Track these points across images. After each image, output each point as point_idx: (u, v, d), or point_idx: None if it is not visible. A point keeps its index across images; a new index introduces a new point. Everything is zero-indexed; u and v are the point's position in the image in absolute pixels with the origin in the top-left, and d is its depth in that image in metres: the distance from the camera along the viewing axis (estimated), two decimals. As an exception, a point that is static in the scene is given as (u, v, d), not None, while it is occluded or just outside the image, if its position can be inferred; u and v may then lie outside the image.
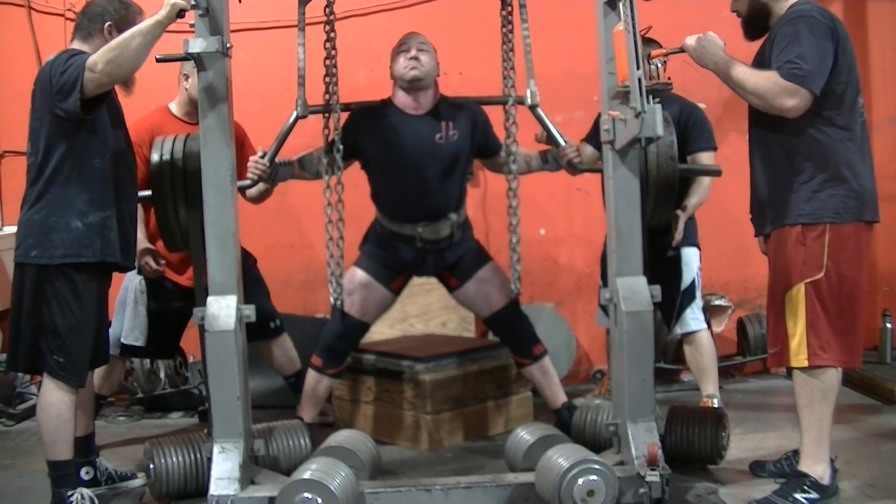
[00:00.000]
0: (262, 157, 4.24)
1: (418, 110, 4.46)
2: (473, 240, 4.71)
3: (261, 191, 4.44)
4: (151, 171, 3.79)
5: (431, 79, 4.47)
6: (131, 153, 3.90)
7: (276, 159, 4.31)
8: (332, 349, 4.56)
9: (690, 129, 4.70)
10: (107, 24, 3.72)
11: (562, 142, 4.36)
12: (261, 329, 4.58)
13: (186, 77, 4.64)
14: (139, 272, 4.58)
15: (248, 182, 4.22)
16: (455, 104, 4.55)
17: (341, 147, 4.31)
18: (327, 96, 4.30)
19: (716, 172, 4.24)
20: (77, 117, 3.49)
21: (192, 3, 3.39)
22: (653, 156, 3.86)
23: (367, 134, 4.46)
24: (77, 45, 3.73)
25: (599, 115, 4.71)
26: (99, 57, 3.41)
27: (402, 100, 4.47)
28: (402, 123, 4.44)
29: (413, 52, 4.40)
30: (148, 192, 3.88)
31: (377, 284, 4.57)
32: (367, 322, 4.60)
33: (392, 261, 4.58)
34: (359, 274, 4.57)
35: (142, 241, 4.46)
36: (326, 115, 4.33)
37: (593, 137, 4.78)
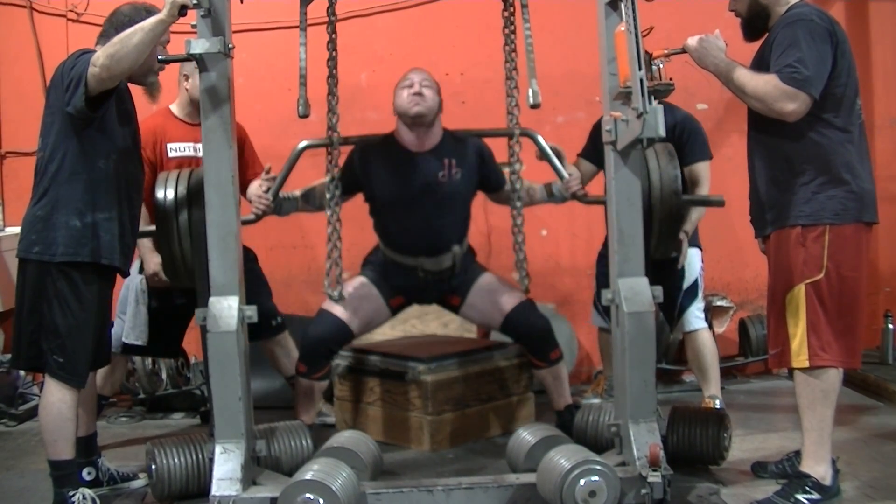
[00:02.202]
0: (267, 191, 4.25)
1: (421, 147, 4.48)
2: (474, 263, 4.75)
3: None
4: (156, 208, 3.80)
5: (435, 115, 4.47)
6: (139, 155, 3.91)
7: (280, 193, 4.33)
8: (314, 353, 4.51)
9: (685, 140, 4.71)
10: None
11: (566, 174, 4.38)
12: (262, 327, 4.58)
13: (187, 77, 4.65)
14: (140, 271, 4.59)
15: (251, 217, 4.25)
16: (458, 140, 4.57)
17: (340, 184, 4.32)
18: (329, 97, 4.30)
19: (718, 203, 4.26)
20: (83, 114, 3.50)
21: (194, 2, 3.39)
22: (657, 190, 3.87)
23: (369, 171, 4.49)
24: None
25: (593, 128, 4.78)
26: (101, 52, 3.42)
27: (406, 137, 4.49)
28: (404, 162, 4.46)
29: (416, 88, 4.40)
30: (152, 228, 3.89)
31: (377, 295, 4.59)
32: (352, 329, 4.55)
33: (393, 284, 4.62)
34: (362, 281, 4.61)
35: (153, 255, 4.47)
36: (329, 149, 4.33)
37: (589, 152, 4.82)
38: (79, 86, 3.46)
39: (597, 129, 4.83)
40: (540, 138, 4.43)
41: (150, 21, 3.40)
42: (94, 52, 3.54)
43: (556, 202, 4.56)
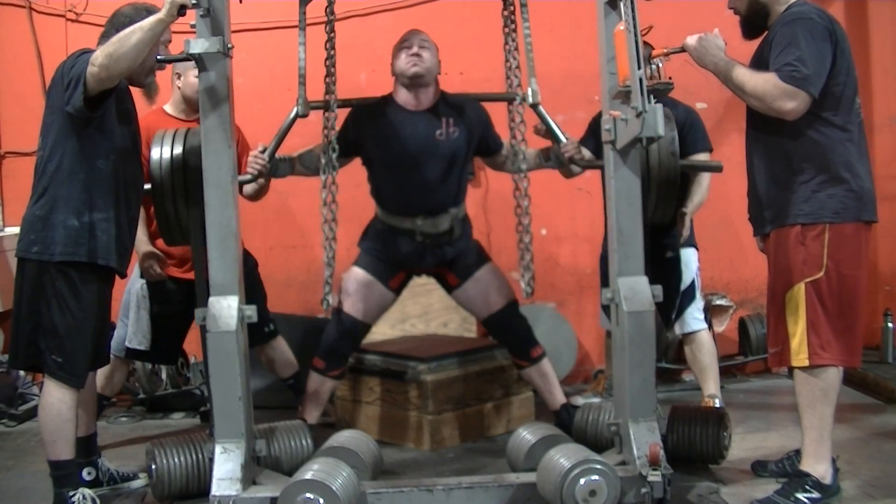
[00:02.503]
0: (262, 152, 4.23)
1: (419, 107, 4.46)
2: (473, 239, 4.70)
3: (256, 188, 4.40)
4: (151, 165, 3.78)
5: (433, 76, 4.46)
6: (138, 156, 3.90)
7: (276, 155, 4.31)
8: (334, 351, 4.54)
9: (686, 132, 4.71)
10: None
11: (563, 139, 4.35)
12: (256, 334, 4.57)
13: (179, 76, 4.65)
14: (142, 276, 4.58)
15: (247, 177, 4.20)
16: (456, 101, 4.54)
17: (337, 147, 4.29)
18: (328, 96, 4.30)
19: (716, 168, 4.25)
20: (82, 113, 3.50)
21: (193, 2, 3.39)
22: (654, 153, 3.85)
23: (367, 130, 4.46)
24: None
25: (594, 119, 4.76)
26: (100, 52, 3.42)
27: (403, 97, 4.47)
28: (402, 120, 4.43)
29: (415, 49, 4.39)
30: (147, 186, 3.88)
31: (377, 283, 4.56)
32: (367, 322, 4.59)
33: (391, 256, 4.55)
34: (358, 273, 4.57)
35: (145, 244, 4.46)
36: (326, 112, 4.32)
37: (589, 140, 4.80)
38: (78, 85, 3.46)
39: (597, 122, 4.83)
40: (540, 107, 4.39)
41: (149, 20, 3.40)
42: (94, 51, 3.54)
43: (552, 167, 4.51)
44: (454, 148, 4.45)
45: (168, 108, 4.75)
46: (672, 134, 3.88)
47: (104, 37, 3.74)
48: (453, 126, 4.45)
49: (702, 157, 4.77)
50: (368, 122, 4.46)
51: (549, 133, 4.42)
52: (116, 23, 3.73)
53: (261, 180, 4.28)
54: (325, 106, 4.30)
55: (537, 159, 4.50)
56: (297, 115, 4.28)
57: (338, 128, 4.35)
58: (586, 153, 4.47)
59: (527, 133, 4.38)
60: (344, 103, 4.42)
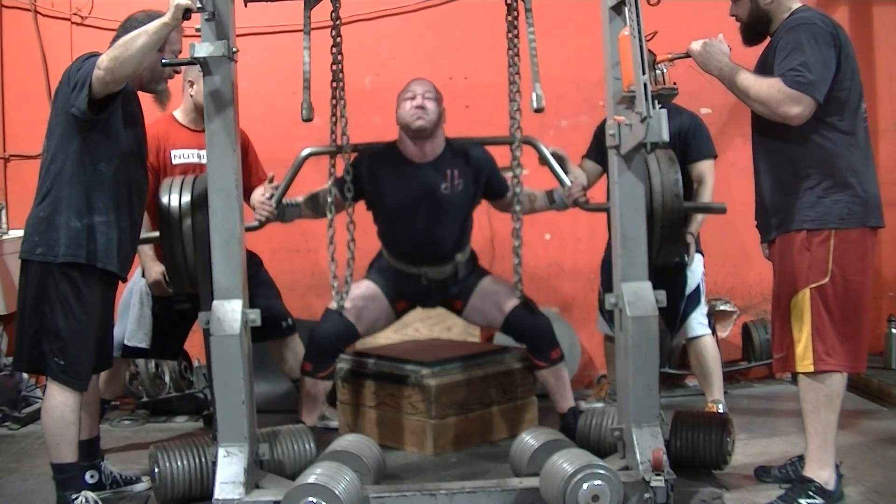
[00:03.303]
0: (270, 198, 4.26)
1: (424, 158, 4.51)
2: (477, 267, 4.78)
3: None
4: (160, 213, 3.79)
5: (437, 127, 4.49)
6: (143, 161, 3.90)
7: (284, 200, 4.34)
8: (320, 351, 4.53)
9: (691, 138, 4.73)
10: None
11: (567, 181, 4.37)
12: (273, 328, 4.63)
13: (191, 84, 4.65)
14: (143, 275, 4.59)
15: (254, 224, 4.25)
16: (461, 149, 4.58)
17: (352, 187, 4.39)
18: (333, 101, 4.31)
19: (720, 210, 4.26)
20: (87, 116, 3.51)
21: (198, 6, 3.39)
22: (658, 195, 3.86)
23: (372, 180, 4.52)
24: None
25: (597, 129, 4.78)
26: (105, 55, 3.42)
27: (409, 148, 4.51)
28: (407, 173, 4.48)
29: (419, 101, 4.41)
30: (156, 234, 3.89)
31: (383, 298, 4.62)
32: (358, 330, 4.58)
33: (398, 290, 4.65)
34: (368, 284, 4.64)
35: (154, 263, 4.48)
36: (333, 155, 4.33)
37: (595, 153, 4.83)
38: (83, 88, 3.46)
39: (602, 130, 4.84)
40: (541, 145, 4.43)
41: (154, 24, 3.40)
42: (101, 55, 3.55)
43: (557, 209, 4.57)
44: (459, 199, 4.52)
45: (178, 115, 4.76)
46: (676, 176, 3.89)
47: (114, 41, 3.75)
48: (458, 178, 4.51)
49: (706, 164, 4.79)
50: (373, 172, 4.52)
51: (551, 171, 4.44)
52: (129, 28, 3.72)
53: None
54: (333, 150, 4.31)
55: (542, 202, 4.55)
56: (306, 157, 4.39)
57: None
58: (588, 168, 4.47)
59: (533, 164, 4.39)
60: (349, 148, 4.46)
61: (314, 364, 4.53)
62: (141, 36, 3.38)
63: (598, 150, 4.76)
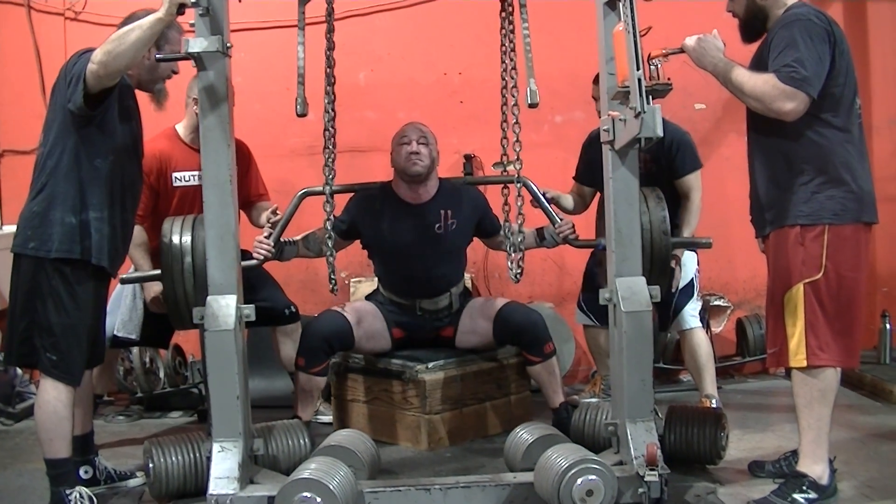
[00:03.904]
0: (268, 237, 4.33)
1: (418, 200, 4.63)
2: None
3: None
4: (161, 253, 3.77)
5: (431, 170, 4.61)
6: (139, 158, 3.90)
7: (282, 238, 4.41)
8: (313, 346, 4.54)
9: (675, 152, 4.78)
10: None
11: (557, 220, 4.45)
12: (276, 316, 4.69)
13: (195, 101, 4.59)
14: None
15: (253, 262, 4.30)
16: (454, 189, 4.71)
17: (335, 237, 4.39)
18: (327, 98, 4.29)
19: (706, 245, 4.32)
20: (82, 111, 3.51)
21: (193, 1, 3.39)
22: (647, 232, 3.88)
23: (367, 221, 4.65)
24: None
25: (583, 149, 4.87)
26: (99, 49, 3.42)
27: (403, 191, 4.64)
28: (402, 214, 4.61)
29: (414, 147, 4.53)
30: (157, 272, 3.88)
31: (382, 318, 4.73)
32: (354, 334, 4.61)
33: (394, 320, 4.75)
34: (369, 304, 4.78)
35: (153, 289, 4.51)
36: (328, 195, 4.34)
37: (583, 174, 4.88)
38: (79, 83, 3.47)
39: (586, 148, 4.92)
40: (533, 185, 4.48)
41: (149, 19, 3.39)
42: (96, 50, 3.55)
43: (547, 247, 4.65)
44: (453, 239, 4.67)
45: (180, 129, 4.76)
46: (663, 213, 3.92)
47: None
48: (451, 218, 4.63)
49: (693, 176, 4.85)
50: (368, 213, 4.65)
51: (542, 210, 4.49)
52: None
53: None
54: (327, 192, 4.30)
55: (531, 239, 4.58)
56: (301, 199, 4.50)
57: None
58: (579, 191, 4.51)
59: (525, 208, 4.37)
60: (345, 189, 4.61)
61: (307, 359, 4.54)
62: (135, 30, 3.38)
63: (586, 171, 4.85)
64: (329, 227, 4.28)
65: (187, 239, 3.75)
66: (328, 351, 4.58)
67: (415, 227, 4.60)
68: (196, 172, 4.56)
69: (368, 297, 4.91)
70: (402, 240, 4.60)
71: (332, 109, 4.22)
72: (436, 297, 4.72)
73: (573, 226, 4.49)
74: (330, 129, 4.22)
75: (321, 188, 4.32)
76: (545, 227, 4.57)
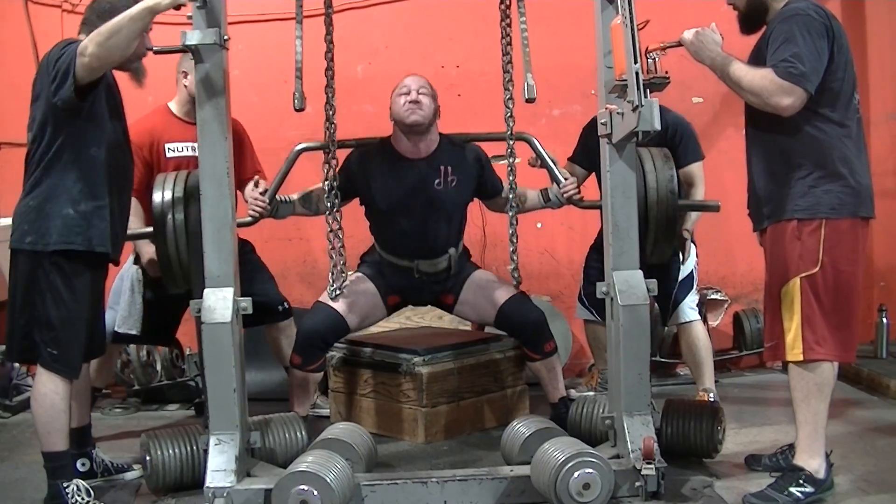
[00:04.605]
0: (263, 193, 4.25)
1: (418, 154, 4.49)
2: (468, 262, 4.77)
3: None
4: (153, 210, 3.78)
5: (431, 122, 4.47)
6: (128, 145, 3.89)
7: (277, 196, 4.33)
8: (309, 344, 4.48)
9: (677, 143, 4.74)
10: None
11: (561, 179, 4.38)
12: (269, 313, 4.63)
13: (185, 74, 4.61)
14: (136, 262, 4.58)
15: (247, 219, 4.25)
16: (455, 146, 4.57)
17: (339, 193, 4.36)
18: (328, 90, 4.29)
19: (714, 208, 4.28)
20: (72, 104, 3.48)
21: None
22: (653, 191, 3.86)
23: (365, 177, 4.50)
24: (81, 37, 3.69)
25: (583, 132, 4.80)
26: (89, 41, 3.39)
27: (402, 144, 4.49)
28: (400, 169, 4.47)
29: (413, 96, 4.38)
30: (149, 230, 3.87)
31: (374, 291, 4.59)
32: (348, 323, 4.53)
33: (390, 285, 4.63)
34: (359, 276, 4.62)
35: (147, 245, 4.47)
36: (327, 151, 4.33)
37: (580, 156, 4.85)
38: (67, 76, 3.43)
39: (586, 133, 4.89)
40: (536, 142, 4.43)
41: (140, 9, 3.36)
42: (80, 41, 3.52)
43: (552, 207, 4.58)
44: (453, 196, 4.51)
45: (173, 106, 4.74)
46: (671, 172, 3.89)
47: (85, 24, 3.71)
48: (452, 174, 4.49)
49: (696, 166, 4.82)
50: (366, 168, 4.50)
51: (546, 170, 4.44)
52: (98, 9, 3.69)
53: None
54: (325, 146, 4.30)
55: (535, 200, 4.54)
56: (297, 155, 4.39)
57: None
58: (575, 172, 4.49)
59: (522, 165, 4.37)
60: (343, 144, 4.46)
61: (303, 357, 4.49)
62: (127, 22, 3.36)
63: (583, 153, 4.80)
64: (329, 188, 4.26)
65: (180, 195, 3.74)
66: (323, 347, 4.55)
67: (413, 182, 4.46)
68: (190, 143, 4.55)
69: (364, 257, 4.77)
70: (400, 195, 4.46)
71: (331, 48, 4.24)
72: (434, 259, 4.55)
73: (578, 186, 4.43)
74: (331, 86, 4.23)
75: (318, 144, 4.30)
76: (549, 188, 4.51)
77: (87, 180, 3.60)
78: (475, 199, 4.75)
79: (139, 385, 5.48)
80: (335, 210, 4.34)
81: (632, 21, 3.24)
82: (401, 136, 4.49)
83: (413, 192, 4.45)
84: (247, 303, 3.66)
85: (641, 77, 3.22)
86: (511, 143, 4.41)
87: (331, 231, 4.32)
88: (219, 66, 3.57)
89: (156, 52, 3.70)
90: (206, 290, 3.61)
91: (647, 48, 3.89)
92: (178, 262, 3.79)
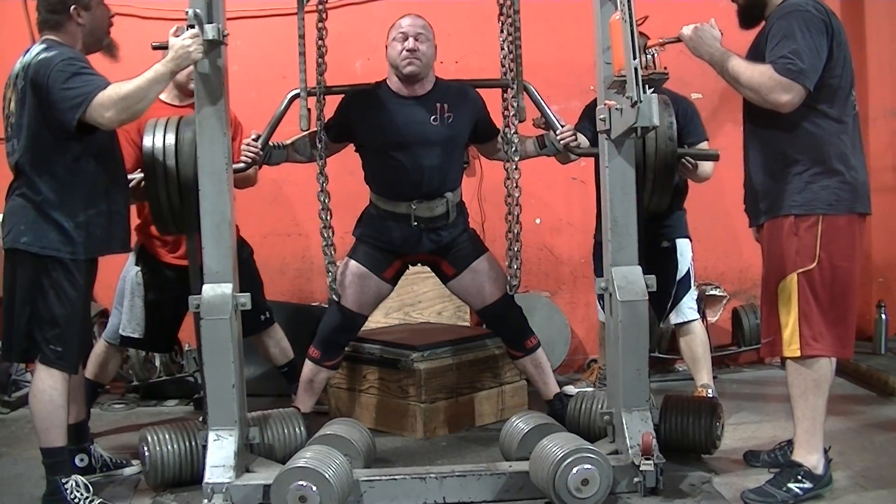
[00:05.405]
0: (256, 139, 4.22)
1: (413, 93, 4.42)
2: (470, 228, 4.68)
3: (245, 177, 4.44)
4: (144, 155, 3.77)
5: (429, 69, 4.42)
6: (117, 141, 3.85)
7: (270, 142, 4.30)
8: (330, 341, 4.50)
9: (682, 124, 4.69)
10: (72, 7, 3.63)
11: (559, 126, 4.34)
12: (252, 323, 4.57)
13: None
14: (136, 263, 4.58)
15: (241, 165, 4.19)
16: (451, 87, 4.50)
17: (325, 136, 4.31)
18: (320, 78, 4.28)
19: (714, 157, 4.25)
20: (69, 134, 3.47)
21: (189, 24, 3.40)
22: (651, 139, 3.84)
23: (360, 117, 4.42)
24: (50, 35, 3.66)
25: (588, 106, 4.76)
26: (111, 104, 3.38)
27: (397, 85, 4.42)
28: (395, 107, 4.39)
29: (410, 44, 4.31)
30: (140, 175, 3.86)
31: (371, 275, 4.51)
32: (364, 314, 4.55)
33: (386, 242, 4.51)
34: (353, 265, 4.52)
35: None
36: (318, 98, 4.30)
37: (583, 126, 4.80)
38: (74, 112, 3.41)
39: (592, 108, 4.83)
40: (534, 90, 4.38)
41: (160, 72, 3.44)
42: (61, 48, 3.52)
43: (548, 154, 4.47)
44: (449, 133, 4.41)
45: (161, 94, 4.72)
46: (670, 119, 3.87)
47: (44, 24, 3.69)
48: (448, 111, 4.40)
49: (702, 146, 4.75)
50: (361, 109, 4.43)
51: (545, 121, 4.42)
52: (48, 5, 3.66)
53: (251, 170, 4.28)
54: (318, 92, 4.28)
55: (533, 147, 4.48)
56: (291, 100, 4.30)
57: (331, 113, 4.36)
58: (582, 140, 4.46)
59: (525, 125, 4.36)
60: (337, 89, 4.40)
61: (322, 352, 4.49)
62: (150, 85, 3.42)
63: (583, 130, 4.71)
64: (319, 138, 4.25)
65: (171, 139, 3.74)
66: (344, 344, 4.57)
67: (408, 119, 4.37)
68: None
69: (358, 222, 4.66)
70: (395, 133, 4.36)
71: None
72: (431, 202, 4.43)
73: (575, 133, 4.38)
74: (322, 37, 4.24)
75: (312, 89, 4.26)
76: (546, 135, 4.44)
77: (81, 190, 3.55)
78: (472, 183, 4.67)
79: (138, 381, 5.48)
80: (323, 150, 4.34)
81: (630, 17, 3.24)
82: (396, 79, 4.43)
83: (408, 129, 4.37)
84: (245, 299, 3.67)
85: (640, 73, 3.22)
86: (512, 90, 4.37)
87: (322, 201, 4.30)
88: (218, 61, 3.57)
89: (154, 48, 3.69)
90: (204, 286, 3.61)
91: (645, 44, 3.91)
92: (168, 209, 3.77)
